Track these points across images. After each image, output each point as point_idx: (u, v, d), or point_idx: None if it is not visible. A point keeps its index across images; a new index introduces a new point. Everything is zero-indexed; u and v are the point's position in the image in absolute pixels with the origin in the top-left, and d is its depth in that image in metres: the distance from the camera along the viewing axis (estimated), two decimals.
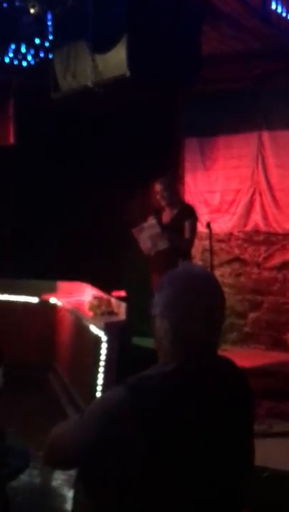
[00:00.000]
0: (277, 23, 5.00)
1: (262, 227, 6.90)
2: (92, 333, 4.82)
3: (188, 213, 5.37)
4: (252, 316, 7.05)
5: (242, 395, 1.61)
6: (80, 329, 5.25)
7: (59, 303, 6.06)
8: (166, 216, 5.35)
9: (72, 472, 1.67)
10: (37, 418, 4.59)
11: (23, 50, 5.02)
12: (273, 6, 4.89)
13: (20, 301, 6.36)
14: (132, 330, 5.22)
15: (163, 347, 1.54)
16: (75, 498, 1.67)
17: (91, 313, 5.03)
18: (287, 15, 5.02)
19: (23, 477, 3.53)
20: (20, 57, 5.12)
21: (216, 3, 4.57)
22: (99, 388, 4.53)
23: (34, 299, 6.29)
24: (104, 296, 5.32)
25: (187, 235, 5.30)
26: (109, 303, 5.12)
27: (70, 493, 3.64)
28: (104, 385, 4.47)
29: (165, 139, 7.47)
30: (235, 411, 1.56)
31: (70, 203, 7.60)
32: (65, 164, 7.40)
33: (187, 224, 5.29)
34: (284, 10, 4.99)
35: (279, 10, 4.95)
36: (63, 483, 3.85)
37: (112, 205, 7.77)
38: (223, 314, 1.58)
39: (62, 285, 6.38)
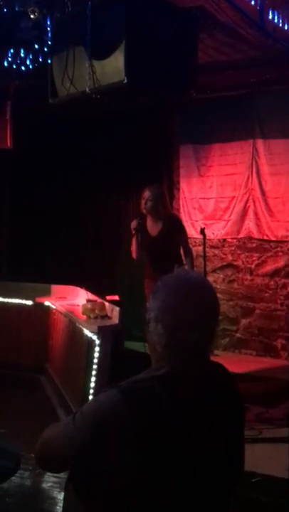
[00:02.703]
0: (273, 32, 5.05)
1: (255, 234, 6.95)
2: (86, 337, 4.85)
3: (179, 227, 5.44)
4: (244, 322, 7.09)
5: (232, 399, 1.64)
6: (74, 332, 5.28)
7: (53, 306, 6.08)
8: (152, 227, 5.32)
9: (63, 475, 1.68)
10: (28, 420, 4.60)
11: (22, 54, 5.06)
12: (270, 16, 4.94)
13: (14, 303, 6.38)
14: (125, 334, 5.25)
15: (156, 351, 1.56)
16: (65, 500, 1.67)
17: (84, 317, 5.06)
18: (283, 25, 5.07)
19: (14, 479, 3.54)
20: (18, 61, 5.15)
21: (213, 12, 4.61)
22: (91, 391, 4.55)
23: (28, 302, 6.31)
24: (98, 300, 5.35)
25: (187, 251, 5.46)
26: (102, 307, 5.14)
27: (60, 496, 3.66)
28: (96, 389, 4.49)
29: (161, 145, 7.52)
30: (225, 414, 1.59)
31: (66, 207, 7.63)
32: (62, 169, 7.43)
33: (182, 239, 5.42)
34: (280, 20, 5.04)
35: (276, 20, 5.00)
36: (54, 486, 3.86)
37: (107, 210, 7.81)
38: (217, 319, 1.60)
39: (57, 288, 6.40)
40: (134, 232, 5.20)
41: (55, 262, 7.12)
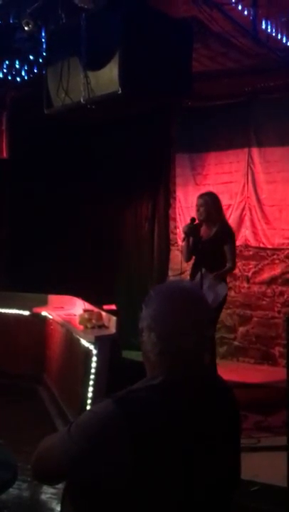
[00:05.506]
0: (267, 41, 5.08)
1: (252, 242, 6.97)
2: (83, 346, 4.84)
3: (226, 236, 5.38)
4: (241, 330, 7.09)
5: (228, 408, 1.64)
6: (71, 342, 5.27)
7: (50, 316, 6.08)
8: (206, 232, 5.36)
9: (61, 486, 1.67)
10: (26, 430, 4.58)
11: (17, 65, 5.10)
12: (263, 26, 4.98)
13: (12, 314, 6.38)
14: (122, 343, 5.25)
15: (150, 360, 1.56)
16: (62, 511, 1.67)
17: (82, 327, 5.06)
18: (277, 34, 5.10)
19: (12, 490, 3.52)
20: (14, 72, 5.19)
21: (206, 21, 4.66)
22: (88, 401, 4.54)
23: (26, 312, 6.31)
24: (95, 309, 5.35)
25: (229, 261, 5.34)
26: (99, 316, 5.15)
27: (58, 507, 3.63)
28: (93, 398, 4.49)
29: (156, 154, 7.54)
30: (221, 423, 1.59)
31: (62, 217, 7.64)
32: (58, 179, 7.44)
33: (227, 249, 5.33)
34: (274, 29, 5.08)
35: (269, 29, 5.03)
36: (52, 497, 3.84)
37: (104, 219, 7.82)
38: (211, 327, 1.61)
39: (54, 298, 6.41)
40: (184, 236, 5.27)
41: (52, 272, 7.12)
